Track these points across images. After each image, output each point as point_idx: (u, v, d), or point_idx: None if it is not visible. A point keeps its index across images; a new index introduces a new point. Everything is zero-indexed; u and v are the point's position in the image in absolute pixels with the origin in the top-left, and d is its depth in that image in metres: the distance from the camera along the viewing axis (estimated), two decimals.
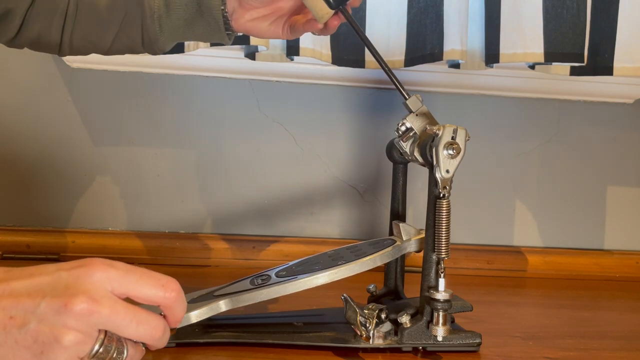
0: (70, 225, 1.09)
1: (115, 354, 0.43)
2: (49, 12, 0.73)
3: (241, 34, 0.76)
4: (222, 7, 0.71)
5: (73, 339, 0.40)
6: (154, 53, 0.77)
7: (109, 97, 1.09)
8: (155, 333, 0.44)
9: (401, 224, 0.72)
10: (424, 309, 0.67)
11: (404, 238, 0.71)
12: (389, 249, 0.70)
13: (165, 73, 1.09)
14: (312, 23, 0.72)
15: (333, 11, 0.69)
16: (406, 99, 0.69)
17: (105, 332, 0.42)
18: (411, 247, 0.71)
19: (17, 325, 0.40)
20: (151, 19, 0.72)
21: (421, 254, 0.68)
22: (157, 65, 1.08)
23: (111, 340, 0.43)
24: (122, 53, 0.77)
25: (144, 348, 0.46)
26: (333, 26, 0.71)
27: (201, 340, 0.67)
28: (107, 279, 0.42)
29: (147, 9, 0.72)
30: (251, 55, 1.03)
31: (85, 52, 0.77)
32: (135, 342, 0.45)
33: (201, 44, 1.00)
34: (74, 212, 1.10)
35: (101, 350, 0.42)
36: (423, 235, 0.70)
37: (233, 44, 0.98)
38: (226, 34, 0.74)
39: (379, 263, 0.69)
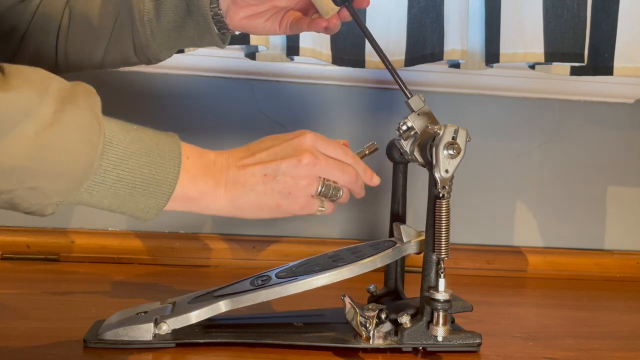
0: (70, 225, 1.09)
1: (333, 192, 0.63)
2: (45, 26, 0.73)
3: (238, 32, 0.76)
4: (213, 6, 0.71)
5: (306, 182, 0.62)
6: (148, 62, 0.76)
7: (108, 97, 1.09)
8: (351, 178, 0.65)
9: (402, 226, 0.72)
10: (424, 309, 0.67)
11: (404, 240, 0.71)
12: (389, 250, 0.70)
13: (165, 73, 1.09)
14: (316, 22, 0.71)
15: (338, 8, 0.69)
16: (408, 98, 0.69)
17: (324, 179, 0.63)
18: (411, 249, 0.71)
19: (270, 179, 0.60)
20: (141, 23, 0.72)
21: (421, 254, 0.68)
22: (157, 65, 1.08)
23: (329, 183, 0.63)
24: (117, 65, 0.77)
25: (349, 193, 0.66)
26: (333, 24, 0.71)
27: (201, 341, 0.67)
28: (316, 144, 0.63)
29: (136, 13, 0.72)
30: (251, 55, 1.02)
31: (79, 66, 0.77)
32: (347, 189, 0.65)
33: None
34: (74, 212, 1.10)
35: (323, 189, 0.63)
36: (423, 237, 0.69)
37: (234, 44, 0.98)
38: (218, 34, 0.73)
39: (379, 265, 0.69)
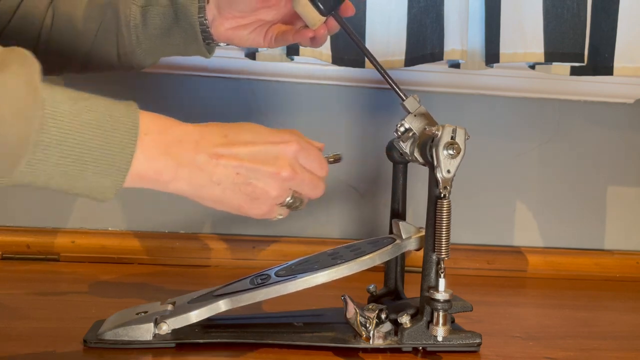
0: (70, 225, 1.09)
1: (298, 202, 0.62)
2: (25, 27, 0.72)
3: (222, 44, 0.75)
4: (200, 15, 0.70)
5: (277, 193, 0.59)
6: (131, 68, 0.75)
7: (108, 97, 1.09)
8: (319, 192, 0.62)
9: (401, 222, 0.72)
10: (424, 309, 0.67)
11: (404, 236, 0.71)
12: (389, 247, 0.70)
13: (165, 73, 1.09)
14: (302, 34, 0.71)
15: (324, 18, 0.69)
16: (403, 100, 0.69)
17: (294, 190, 0.61)
18: (411, 245, 0.71)
19: (241, 179, 0.57)
20: (127, 28, 0.71)
21: (421, 253, 0.68)
22: (157, 65, 1.08)
23: (297, 195, 0.61)
24: (98, 70, 0.75)
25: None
26: (320, 35, 0.71)
27: (201, 341, 0.67)
28: (298, 156, 0.60)
29: (122, 17, 0.71)
30: (251, 55, 1.03)
31: (60, 69, 0.75)
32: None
33: None
34: (74, 211, 1.10)
35: (291, 201, 0.61)
36: (423, 233, 0.69)
37: None
38: (205, 44, 0.73)
39: (379, 262, 0.69)
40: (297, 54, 0.98)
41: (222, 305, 0.67)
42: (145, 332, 0.66)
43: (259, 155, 0.58)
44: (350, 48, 1.01)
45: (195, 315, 0.66)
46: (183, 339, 0.66)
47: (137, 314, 0.69)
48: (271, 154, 0.58)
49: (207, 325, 0.69)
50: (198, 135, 0.56)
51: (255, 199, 0.58)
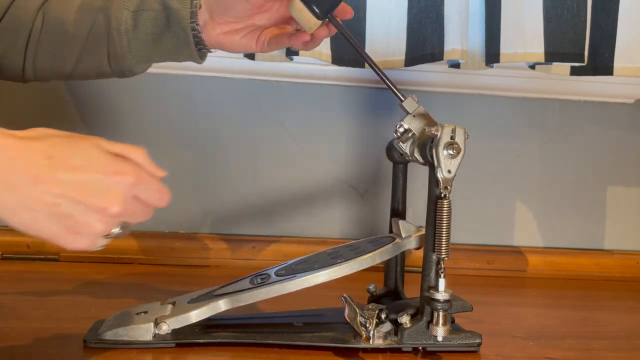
0: None
1: (124, 231, 0.56)
2: (15, 29, 0.71)
3: (214, 50, 0.74)
4: (192, 21, 0.70)
5: (103, 228, 0.52)
6: (122, 74, 0.74)
7: (108, 96, 1.09)
8: (148, 219, 0.57)
9: (400, 222, 0.72)
10: (424, 309, 0.67)
11: (404, 235, 0.71)
12: (389, 246, 0.70)
13: (165, 73, 1.09)
14: (297, 37, 0.70)
15: (320, 21, 0.69)
16: (402, 100, 0.69)
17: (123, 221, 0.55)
18: (411, 244, 0.71)
19: (62, 210, 0.49)
20: (117, 32, 0.70)
21: (421, 253, 0.68)
22: (157, 64, 1.08)
23: (124, 224, 0.56)
24: (88, 76, 0.74)
25: None
26: (319, 37, 0.70)
27: (201, 340, 0.67)
28: (134, 189, 0.53)
29: (113, 21, 0.70)
30: (251, 55, 1.02)
31: (49, 74, 0.74)
32: None
33: None
34: None
35: (119, 231, 0.55)
36: (423, 232, 0.69)
37: None
38: (197, 49, 0.72)
39: (379, 261, 0.69)
40: (297, 54, 0.98)
41: (222, 305, 0.67)
42: (145, 332, 0.66)
43: (87, 186, 0.50)
44: (350, 48, 1.00)
45: (195, 315, 0.66)
46: (183, 339, 0.66)
47: (137, 314, 0.69)
48: (101, 186, 0.51)
49: (207, 325, 0.69)
50: (15, 151, 0.48)
51: (76, 233, 0.51)
